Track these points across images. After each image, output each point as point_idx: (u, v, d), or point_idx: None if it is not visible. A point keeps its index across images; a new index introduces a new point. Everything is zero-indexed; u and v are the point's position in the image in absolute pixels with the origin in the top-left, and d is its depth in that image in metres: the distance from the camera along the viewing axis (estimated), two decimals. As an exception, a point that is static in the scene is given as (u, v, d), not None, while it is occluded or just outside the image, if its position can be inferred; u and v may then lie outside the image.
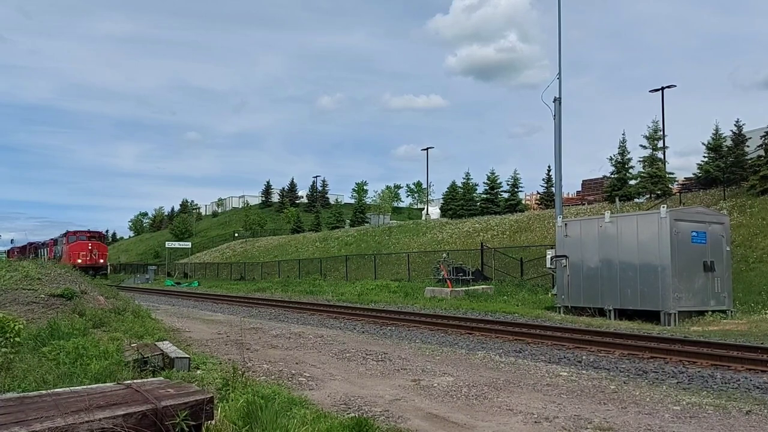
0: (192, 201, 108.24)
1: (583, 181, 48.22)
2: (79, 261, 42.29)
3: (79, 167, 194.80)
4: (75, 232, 48.12)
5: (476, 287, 22.99)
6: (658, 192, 34.90)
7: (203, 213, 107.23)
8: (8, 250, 70.08)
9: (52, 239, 57.27)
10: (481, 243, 29.89)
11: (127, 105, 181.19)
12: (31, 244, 64.96)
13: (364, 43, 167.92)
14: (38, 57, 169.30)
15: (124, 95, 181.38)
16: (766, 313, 15.76)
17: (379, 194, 77.15)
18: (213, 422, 4.16)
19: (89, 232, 48.38)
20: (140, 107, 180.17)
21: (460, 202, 48.63)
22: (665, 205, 19.67)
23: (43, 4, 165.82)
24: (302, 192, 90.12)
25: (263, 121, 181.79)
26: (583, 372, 8.06)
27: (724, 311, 15.88)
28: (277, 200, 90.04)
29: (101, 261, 46.95)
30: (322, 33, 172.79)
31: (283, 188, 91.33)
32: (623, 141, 38.64)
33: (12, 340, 6.30)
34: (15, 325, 6.54)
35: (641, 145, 37.55)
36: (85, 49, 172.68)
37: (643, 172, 36.80)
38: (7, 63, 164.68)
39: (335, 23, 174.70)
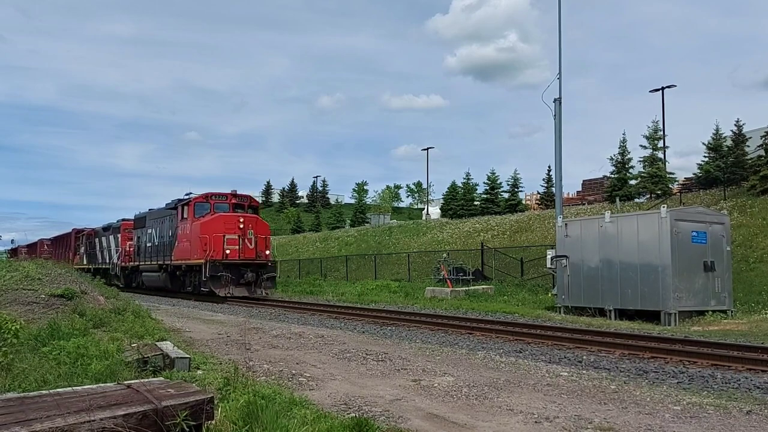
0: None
1: (583, 181, 48.36)
2: (228, 252, 22.94)
3: (82, 167, 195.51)
4: (207, 196, 24.82)
5: (476, 287, 22.98)
6: (659, 192, 34.90)
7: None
8: (32, 244, 52.54)
9: (124, 220, 35.38)
10: (482, 243, 29.87)
11: (130, 106, 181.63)
12: (79, 232, 43.11)
13: (364, 44, 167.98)
14: (40, 58, 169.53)
15: (127, 96, 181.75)
16: (766, 313, 15.76)
17: (379, 194, 77.43)
18: (213, 422, 4.16)
19: (235, 195, 25.27)
20: (143, 108, 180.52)
21: (460, 202, 48.62)
22: (665, 205, 19.65)
23: (45, 5, 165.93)
24: (302, 192, 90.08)
25: (265, 121, 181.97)
26: (584, 372, 8.06)
27: (724, 311, 15.88)
28: (278, 200, 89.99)
29: (266, 252, 24.29)
30: (323, 34, 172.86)
31: (284, 188, 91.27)
32: (623, 141, 38.68)
33: (9, 341, 6.29)
34: (12, 325, 6.54)
35: (641, 145, 37.61)
36: (89, 50, 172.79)
37: (644, 172, 36.81)
38: (8, 64, 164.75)
39: (336, 24, 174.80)
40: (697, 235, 15.86)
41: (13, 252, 53.15)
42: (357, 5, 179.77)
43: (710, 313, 15.64)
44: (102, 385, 4.50)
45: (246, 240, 23.57)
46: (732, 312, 16.02)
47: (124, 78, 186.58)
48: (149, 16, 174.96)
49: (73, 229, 44.59)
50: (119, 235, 34.87)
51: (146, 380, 4.61)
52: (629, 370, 8.36)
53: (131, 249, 32.44)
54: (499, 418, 5.48)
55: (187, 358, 7.05)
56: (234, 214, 24.23)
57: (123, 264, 33.35)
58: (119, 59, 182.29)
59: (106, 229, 37.91)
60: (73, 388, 4.28)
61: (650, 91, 38.99)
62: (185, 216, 25.17)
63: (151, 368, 6.62)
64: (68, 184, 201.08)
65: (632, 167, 38.19)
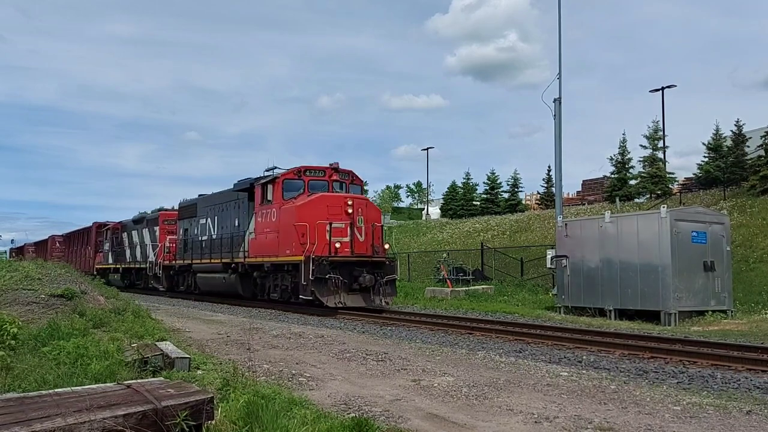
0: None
1: (583, 181, 48.27)
2: (337, 246, 17.08)
3: (82, 167, 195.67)
4: (300, 171, 18.89)
5: (476, 287, 23.00)
6: (659, 192, 34.94)
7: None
8: (42, 242, 48.30)
9: (161, 210, 32.27)
10: (481, 243, 29.89)
11: (131, 106, 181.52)
12: (101, 226, 37.51)
13: (364, 44, 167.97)
14: (40, 58, 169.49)
15: (127, 96, 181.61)
16: (766, 313, 15.77)
17: (379, 194, 77.42)
18: (213, 422, 4.16)
19: (336, 169, 19.18)
20: (143, 108, 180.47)
21: (460, 202, 48.66)
22: (665, 205, 19.66)
23: (45, 5, 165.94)
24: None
25: (265, 121, 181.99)
26: (584, 372, 8.06)
27: (724, 311, 15.89)
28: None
29: (385, 246, 18.67)
30: (323, 34, 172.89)
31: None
32: (623, 141, 38.82)
33: (7, 343, 6.28)
34: (11, 327, 6.51)
35: (641, 145, 37.76)
36: (89, 50, 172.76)
37: (644, 172, 36.87)
38: (8, 64, 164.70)
39: (336, 24, 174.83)
40: (697, 235, 15.87)
41: (19, 251, 50.07)
42: (357, 5, 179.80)
43: (710, 313, 15.65)
44: (102, 385, 4.50)
45: (356, 229, 17.37)
46: (732, 312, 16.03)
47: (124, 78, 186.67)
48: (149, 16, 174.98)
49: (94, 223, 38.58)
50: (156, 228, 29.20)
51: (146, 380, 4.62)
52: (629, 370, 8.35)
53: (174, 245, 27.13)
54: (499, 418, 5.48)
55: (187, 358, 7.05)
56: (340, 195, 18.06)
57: (166, 262, 27.50)
58: (119, 59, 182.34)
59: (138, 221, 32.47)
60: (73, 388, 4.28)
61: (650, 91, 39.08)
62: (269, 198, 19.00)
63: (151, 368, 6.61)
64: (68, 184, 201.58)
65: (632, 167, 38.30)
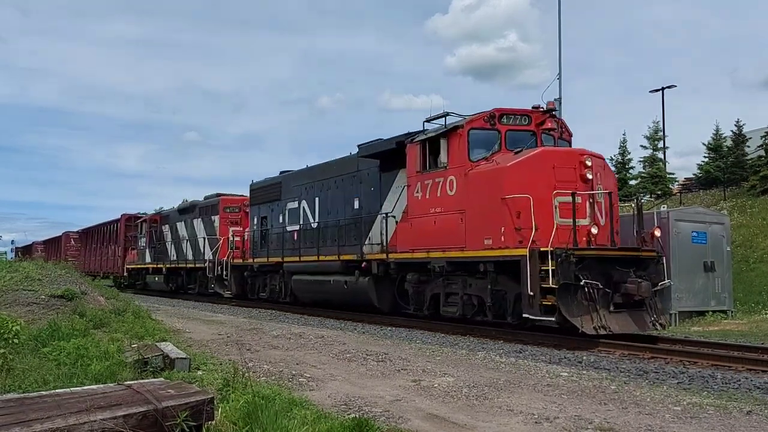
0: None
1: (583, 181, 48.22)
2: (594, 231, 10.46)
3: (83, 168, 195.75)
4: (491, 117, 11.94)
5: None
6: (659, 192, 34.96)
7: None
8: (53, 239, 44.54)
9: (221, 195, 24.61)
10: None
11: (132, 107, 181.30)
12: (131, 218, 32.36)
13: (364, 44, 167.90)
14: (42, 58, 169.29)
15: (129, 97, 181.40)
16: (766, 313, 15.79)
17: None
18: (213, 423, 4.17)
19: (551, 113, 12.37)
20: (145, 109, 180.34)
21: (460, 203, 48.65)
22: (665, 206, 19.66)
23: (45, 5, 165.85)
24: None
25: (265, 121, 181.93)
26: (584, 372, 8.06)
27: (724, 311, 15.89)
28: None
29: (656, 232, 11.45)
30: (323, 35, 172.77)
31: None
32: (624, 141, 38.88)
33: (10, 342, 6.30)
34: (13, 326, 6.53)
35: (641, 146, 37.85)
36: (90, 51, 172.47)
37: (644, 173, 36.91)
38: (10, 64, 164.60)
39: (336, 25, 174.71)
40: (697, 236, 15.86)
41: (27, 250, 47.22)
42: (357, 6, 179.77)
43: (710, 313, 15.65)
44: (102, 385, 4.51)
45: (594, 204, 11.21)
46: (732, 312, 16.03)
47: (125, 79, 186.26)
48: (150, 17, 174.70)
49: (122, 215, 32.93)
50: (215, 218, 23.61)
51: (146, 381, 4.62)
52: (629, 371, 8.35)
53: (241, 238, 21.54)
54: (499, 419, 5.48)
55: (187, 358, 7.06)
56: (571, 150, 12.01)
57: (237, 261, 21.44)
58: (120, 60, 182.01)
59: (186, 210, 26.46)
60: (73, 388, 4.29)
61: (650, 92, 39.02)
62: (442, 160, 12.51)
63: (151, 369, 6.62)
64: (69, 184, 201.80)
65: (632, 167, 38.35)
